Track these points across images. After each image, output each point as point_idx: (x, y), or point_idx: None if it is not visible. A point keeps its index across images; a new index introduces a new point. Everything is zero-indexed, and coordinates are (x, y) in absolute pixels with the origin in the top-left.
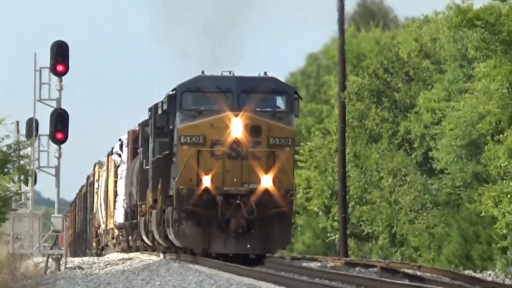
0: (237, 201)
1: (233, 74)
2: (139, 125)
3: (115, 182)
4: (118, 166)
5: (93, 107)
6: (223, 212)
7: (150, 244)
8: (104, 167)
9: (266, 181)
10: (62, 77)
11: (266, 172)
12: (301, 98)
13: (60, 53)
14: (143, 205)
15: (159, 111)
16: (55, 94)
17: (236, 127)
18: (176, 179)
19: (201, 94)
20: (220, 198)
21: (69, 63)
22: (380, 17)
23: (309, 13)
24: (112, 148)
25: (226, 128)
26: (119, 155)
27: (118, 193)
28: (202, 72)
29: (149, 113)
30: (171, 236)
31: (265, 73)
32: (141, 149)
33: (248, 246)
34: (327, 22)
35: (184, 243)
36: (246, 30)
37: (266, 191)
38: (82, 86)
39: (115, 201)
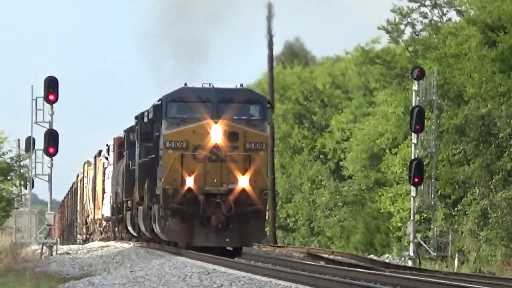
0: (217, 200)
1: (213, 86)
2: (124, 131)
3: (103, 181)
4: (106, 167)
5: (78, 118)
6: (205, 209)
7: (135, 235)
8: (92, 166)
9: (243, 182)
10: (53, 104)
11: (243, 173)
12: (273, 107)
13: (51, 86)
14: (129, 201)
15: (145, 119)
16: (47, 118)
17: (216, 133)
18: (162, 179)
19: (184, 104)
20: (202, 197)
21: (58, 93)
22: (302, 57)
23: (245, 54)
24: (100, 151)
25: (207, 134)
26: (106, 158)
27: (105, 191)
28: (185, 84)
29: (136, 120)
30: (157, 230)
31: (241, 85)
32: (126, 152)
33: (227, 239)
34: (259, 61)
35: (170, 237)
36: (207, 66)
37: (243, 190)
38: (73, 100)
39: (103, 197)
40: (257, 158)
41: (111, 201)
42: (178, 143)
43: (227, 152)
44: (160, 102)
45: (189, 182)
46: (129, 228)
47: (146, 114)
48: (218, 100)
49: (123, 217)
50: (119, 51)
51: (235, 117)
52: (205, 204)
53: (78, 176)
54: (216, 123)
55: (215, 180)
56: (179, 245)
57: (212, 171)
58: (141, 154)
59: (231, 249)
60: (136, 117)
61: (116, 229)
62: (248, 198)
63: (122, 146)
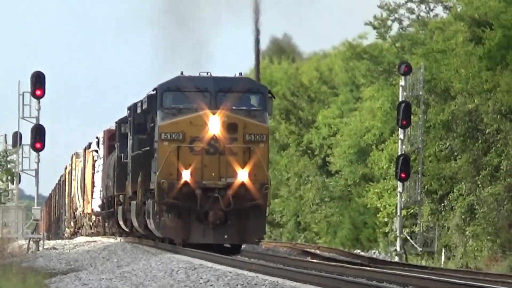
0: (215, 194)
1: (211, 74)
2: (116, 122)
3: (93, 174)
4: (96, 160)
5: (66, 113)
6: (202, 204)
7: (127, 230)
8: (81, 158)
9: (243, 175)
10: (40, 99)
11: (242, 166)
12: (274, 97)
13: (38, 81)
14: (120, 195)
15: (139, 110)
16: (34, 113)
17: (214, 125)
18: (157, 173)
19: (180, 94)
20: (199, 191)
21: (45, 88)
22: (289, 52)
23: (232, 49)
24: (90, 143)
25: (204, 126)
26: (96, 151)
27: (95, 185)
28: (181, 72)
29: (128, 111)
30: (152, 227)
31: (240, 73)
32: (118, 144)
33: (225, 236)
34: (246, 56)
35: (165, 233)
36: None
37: (243, 184)
38: (61, 95)
39: (92, 191)
40: (257, 151)
41: (101, 195)
42: (174, 134)
43: (225, 144)
44: (155, 92)
45: (186, 175)
46: (121, 223)
47: (139, 104)
48: (216, 90)
49: (114, 211)
50: (108, 43)
51: (234, 108)
52: (202, 199)
53: (66, 168)
54: (214, 113)
55: (213, 174)
56: (175, 242)
57: (210, 164)
58: (134, 146)
59: (230, 246)
60: (129, 108)
61: (107, 224)
62: (248, 192)
63: (113, 138)
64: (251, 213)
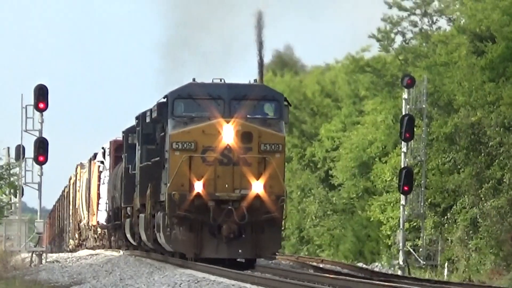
0: (229, 207)
1: (224, 81)
2: (123, 132)
3: (98, 186)
4: (101, 171)
5: (69, 126)
6: (215, 217)
7: (135, 244)
8: (86, 169)
9: (257, 187)
10: (43, 112)
11: (257, 178)
12: (290, 105)
13: (41, 94)
14: (128, 208)
15: (147, 119)
16: (37, 126)
17: (228, 134)
18: (168, 184)
19: (192, 101)
20: (212, 203)
21: (48, 101)
22: (291, 65)
23: (236, 62)
24: (95, 154)
25: (217, 135)
26: (102, 162)
27: (101, 196)
28: (193, 79)
29: (136, 121)
30: (162, 241)
31: (255, 80)
32: (125, 154)
33: (240, 251)
34: (250, 69)
35: (176, 247)
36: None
37: (257, 196)
38: (64, 107)
39: (98, 203)
40: (273, 161)
41: (107, 208)
42: (186, 144)
43: (240, 154)
44: (165, 99)
45: (198, 187)
46: (128, 236)
47: (148, 113)
48: (230, 97)
49: (121, 224)
50: (113, 52)
51: (248, 116)
52: (215, 212)
53: (70, 179)
54: (227, 122)
55: (227, 185)
56: (187, 257)
57: (223, 175)
58: (143, 157)
59: (244, 261)
60: (137, 117)
61: (113, 237)
62: (263, 205)
63: (119, 149)
64: (266, 227)
